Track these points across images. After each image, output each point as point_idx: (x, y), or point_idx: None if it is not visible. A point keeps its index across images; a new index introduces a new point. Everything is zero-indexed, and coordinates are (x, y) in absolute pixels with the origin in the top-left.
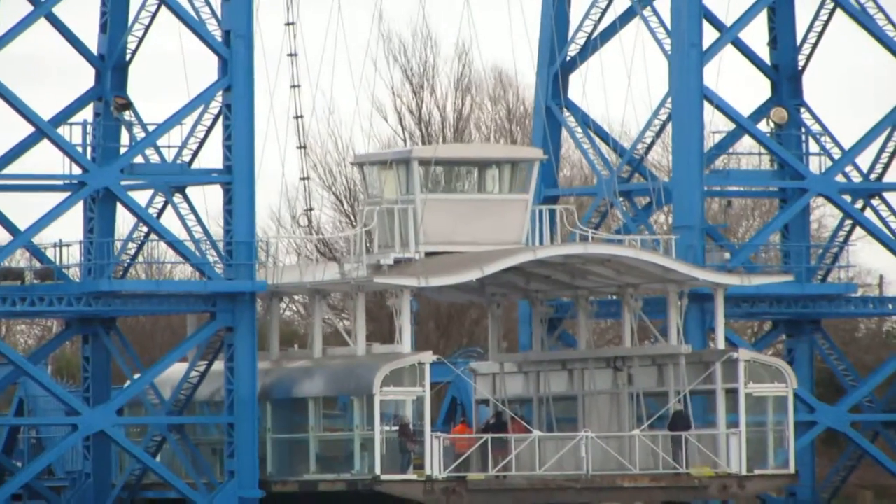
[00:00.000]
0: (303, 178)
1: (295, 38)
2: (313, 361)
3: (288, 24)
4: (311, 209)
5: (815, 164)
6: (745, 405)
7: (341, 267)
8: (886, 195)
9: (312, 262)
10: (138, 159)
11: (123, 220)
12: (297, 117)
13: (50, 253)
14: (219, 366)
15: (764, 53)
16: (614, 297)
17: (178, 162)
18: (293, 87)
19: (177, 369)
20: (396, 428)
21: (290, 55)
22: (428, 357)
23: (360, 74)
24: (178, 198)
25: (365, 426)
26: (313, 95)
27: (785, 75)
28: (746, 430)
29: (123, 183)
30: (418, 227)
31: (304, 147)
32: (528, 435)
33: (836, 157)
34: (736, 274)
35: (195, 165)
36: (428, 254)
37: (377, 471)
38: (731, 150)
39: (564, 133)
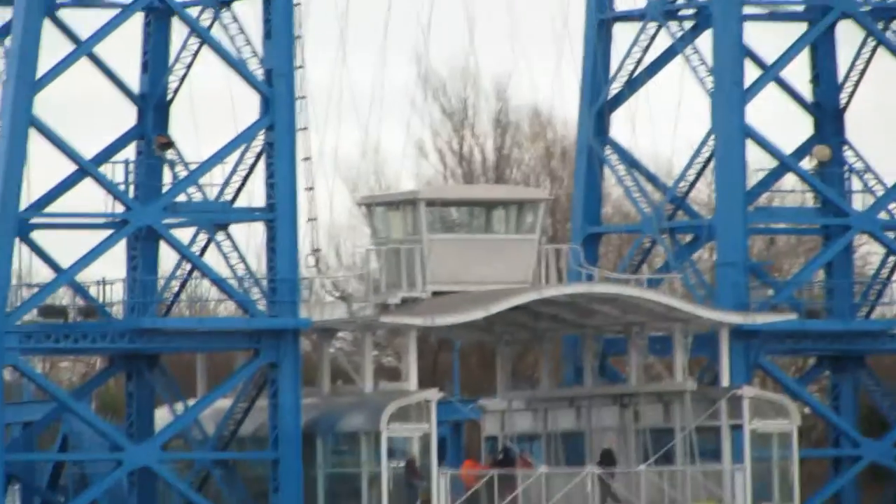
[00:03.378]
0: (310, 219)
1: (302, 81)
2: (323, 399)
3: (297, 67)
4: (318, 250)
5: (859, 202)
6: (750, 442)
7: (349, 306)
8: None
9: (321, 302)
10: (181, 198)
11: (166, 258)
12: (305, 159)
13: (93, 290)
14: (263, 401)
15: (806, 91)
16: (661, 335)
17: (221, 200)
18: (301, 129)
19: (219, 405)
20: (403, 464)
21: (299, 97)
22: (434, 394)
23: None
24: (220, 235)
25: (372, 463)
26: (360, 136)
27: (827, 113)
28: (751, 466)
29: (166, 221)
30: (425, 267)
31: (312, 188)
32: (534, 471)
33: (880, 193)
34: (739, 313)
35: (238, 203)
36: (435, 293)
37: None
38: (774, 188)
39: (607, 171)
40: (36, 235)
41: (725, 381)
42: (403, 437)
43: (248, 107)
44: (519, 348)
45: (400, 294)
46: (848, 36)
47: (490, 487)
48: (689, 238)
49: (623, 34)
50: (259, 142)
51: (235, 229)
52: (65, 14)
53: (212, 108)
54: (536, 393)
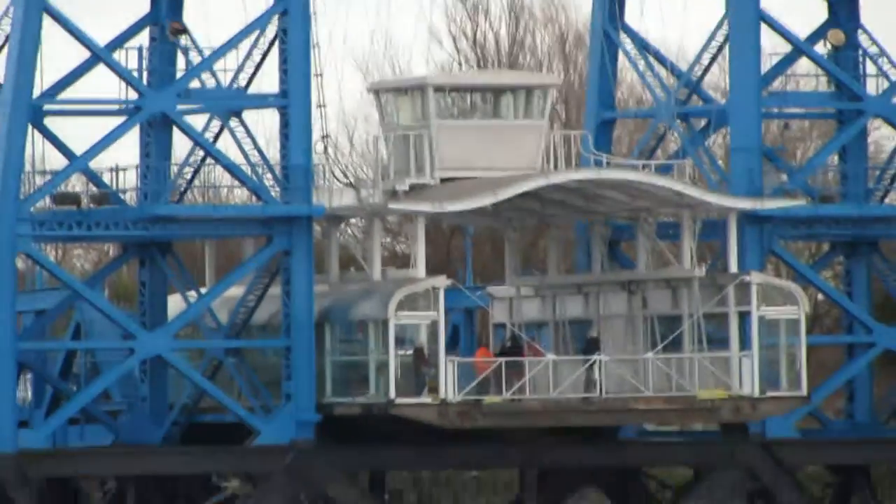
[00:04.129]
0: (319, 106)
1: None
2: (332, 286)
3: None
4: (327, 136)
5: (873, 86)
6: (758, 328)
7: (357, 193)
8: None
9: (329, 189)
10: (194, 84)
11: (180, 145)
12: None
13: (106, 177)
14: (276, 290)
15: None
16: (671, 221)
17: (235, 87)
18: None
19: (233, 293)
20: (411, 352)
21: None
22: (442, 282)
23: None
24: (234, 122)
25: (380, 350)
26: (371, 21)
27: None
28: (759, 353)
29: (179, 108)
30: (433, 154)
31: (321, 75)
32: (543, 358)
33: (894, 78)
34: (749, 198)
35: (251, 90)
36: (443, 180)
37: (392, 394)
38: (788, 73)
39: (620, 57)
40: (49, 122)
41: (734, 267)
42: (412, 325)
43: None
44: (529, 235)
45: (408, 180)
46: None
47: (498, 375)
48: (703, 123)
49: None
50: (273, 28)
51: (249, 116)
52: None
53: None
54: (545, 280)
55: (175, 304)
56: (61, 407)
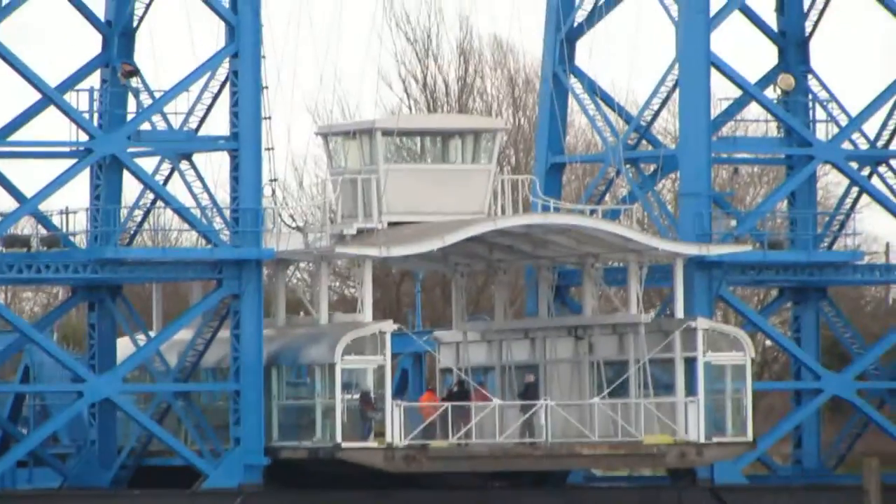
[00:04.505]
0: (267, 149)
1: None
2: (279, 330)
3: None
4: (274, 180)
5: (822, 132)
6: (704, 374)
7: (305, 237)
8: (893, 162)
9: (278, 233)
10: (145, 126)
11: (130, 188)
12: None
13: (56, 220)
14: (225, 333)
15: (771, 20)
16: (619, 266)
17: (185, 129)
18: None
19: (181, 337)
20: (357, 396)
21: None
22: (389, 326)
23: (366, 43)
24: (184, 165)
25: (327, 395)
26: (321, 63)
27: (792, 42)
28: (705, 399)
29: (130, 150)
30: (381, 197)
31: (269, 118)
32: (489, 403)
33: (843, 124)
34: (695, 244)
35: (202, 132)
36: (391, 223)
37: (338, 438)
38: (738, 118)
39: (571, 101)
40: None
41: (680, 312)
42: (359, 369)
43: (214, 35)
44: (478, 280)
45: (356, 224)
46: None
47: (445, 419)
48: (652, 168)
49: None
50: (224, 70)
51: (199, 159)
52: None
53: (178, 37)
54: (491, 325)
55: (124, 347)
56: (10, 450)
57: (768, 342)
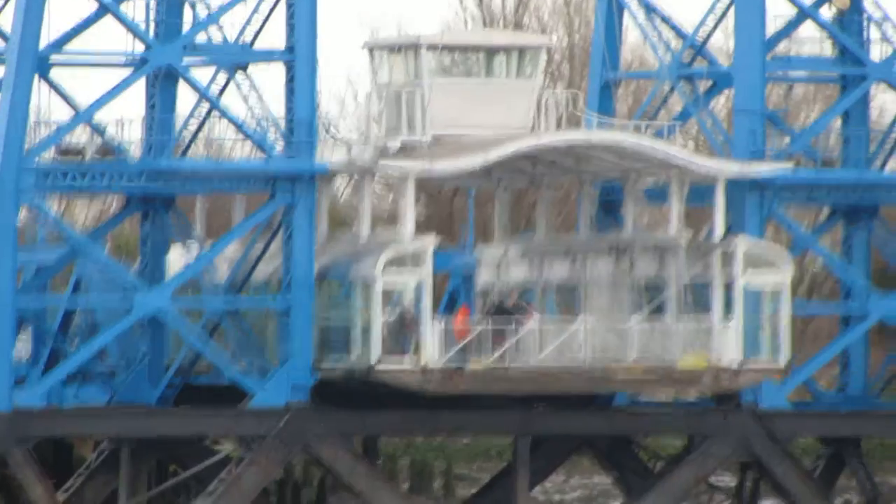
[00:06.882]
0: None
1: None
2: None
3: None
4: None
5: (877, 52)
6: (742, 296)
7: (348, 150)
8: None
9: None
10: (201, 37)
11: (185, 100)
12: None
13: (111, 130)
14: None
15: None
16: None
17: (241, 41)
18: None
19: (233, 251)
20: (397, 313)
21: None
22: (430, 242)
23: None
24: (240, 77)
25: (366, 312)
26: None
27: None
28: (743, 322)
29: (185, 61)
30: (425, 111)
31: None
32: (529, 322)
33: None
34: (737, 161)
35: (258, 45)
36: (435, 137)
37: (372, 360)
38: (792, 36)
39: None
40: (55, 74)
41: (720, 231)
42: (398, 286)
43: None
44: (530, 195)
45: (400, 138)
46: None
47: (482, 340)
48: (706, 85)
49: None
50: None
51: (258, 71)
52: None
53: None
54: (533, 241)
55: (176, 255)
56: (58, 365)
57: (817, 267)
